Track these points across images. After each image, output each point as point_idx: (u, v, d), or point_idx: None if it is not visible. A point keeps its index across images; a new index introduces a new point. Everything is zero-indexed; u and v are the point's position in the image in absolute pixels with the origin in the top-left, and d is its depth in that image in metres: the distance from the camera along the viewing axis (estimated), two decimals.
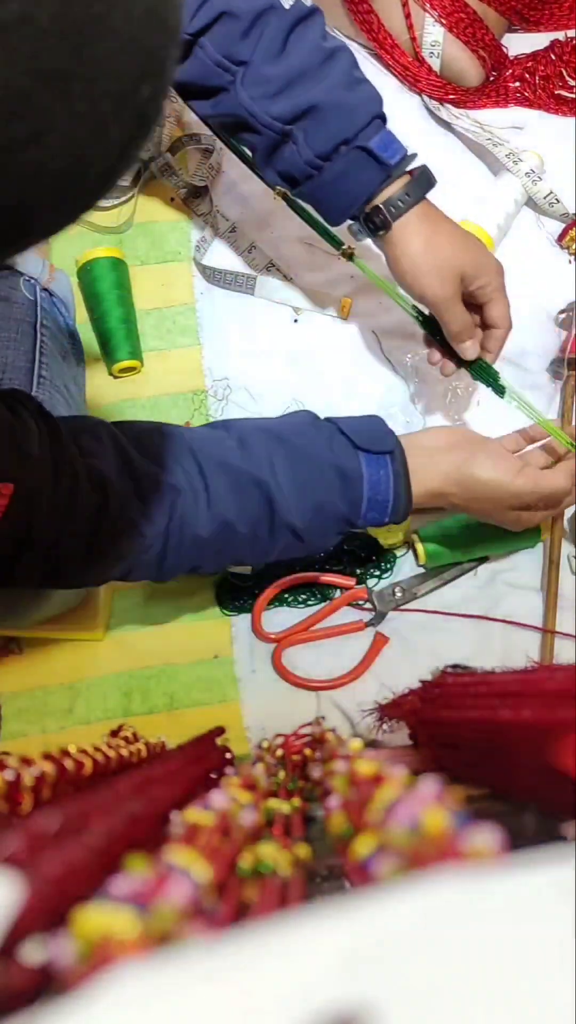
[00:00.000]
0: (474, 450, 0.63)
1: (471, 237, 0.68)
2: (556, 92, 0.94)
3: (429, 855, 0.19)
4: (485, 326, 0.70)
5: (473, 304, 0.69)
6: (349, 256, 0.72)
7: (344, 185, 0.65)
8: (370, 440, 0.61)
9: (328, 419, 0.63)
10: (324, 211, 0.69)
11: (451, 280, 0.66)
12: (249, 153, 0.71)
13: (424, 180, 0.67)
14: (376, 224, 0.66)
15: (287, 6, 0.63)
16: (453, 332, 0.68)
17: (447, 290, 0.66)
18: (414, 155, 0.66)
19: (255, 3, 0.62)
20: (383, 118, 0.65)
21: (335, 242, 0.72)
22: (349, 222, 0.69)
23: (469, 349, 0.68)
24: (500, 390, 0.70)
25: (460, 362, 0.71)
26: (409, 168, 0.66)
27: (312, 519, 0.60)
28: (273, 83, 0.63)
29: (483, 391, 0.75)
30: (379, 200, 0.66)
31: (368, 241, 0.70)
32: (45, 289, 0.78)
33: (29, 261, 0.79)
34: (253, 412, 0.83)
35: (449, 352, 0.71)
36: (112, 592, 0.77)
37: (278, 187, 0.70)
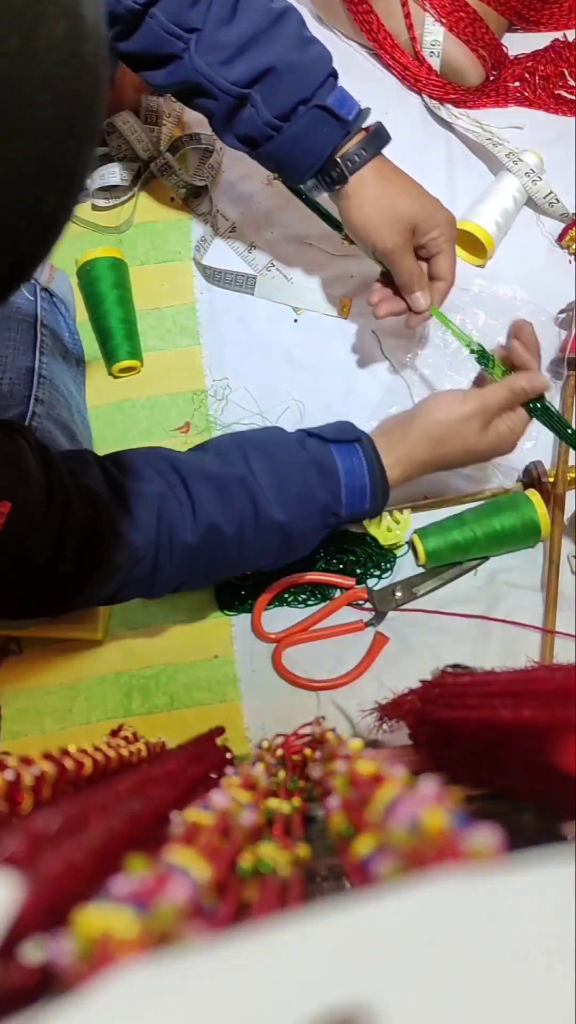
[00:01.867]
0: (422, 404, 0.66)
1: (424, 191, 0.70)
2: (556, 92, 0.94)
3: (429, 855, 0.19)
4: (431, 279, 0.72)
5: (422, 257, 0.71)
6: (352, 240, 0.72)
7: (305, 144, 0.66)
8: (338, 433, 0.64)
9: (298, 430, 0.66)
10: (286, 171, 0.70)
11: (401, 232, 0.68)
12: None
13: (379, 136, 0.68)
14: (332, 179, 0.68)
15: None
16: (402, 282, 0.70)
17: (397, 240, 0.68)
18: (368, 110, 0.67)
19: None
20: (335, 75, 0.66)
21: (335, 225, 0.72)
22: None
23: (420, 299, 0.71)
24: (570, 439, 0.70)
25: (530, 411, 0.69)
26: (365, 125, 0.67)
27: (296, 512, 0.61)
28: (227, 49, 0.63)
29: None
30: (336, 156, 0.67)
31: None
32: (45, 289, 0.78)
33: None
34: (253, 412, 0.83)
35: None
36: None
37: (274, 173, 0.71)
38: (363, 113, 0.67)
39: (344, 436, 0.64)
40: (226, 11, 0.63)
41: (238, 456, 0.61)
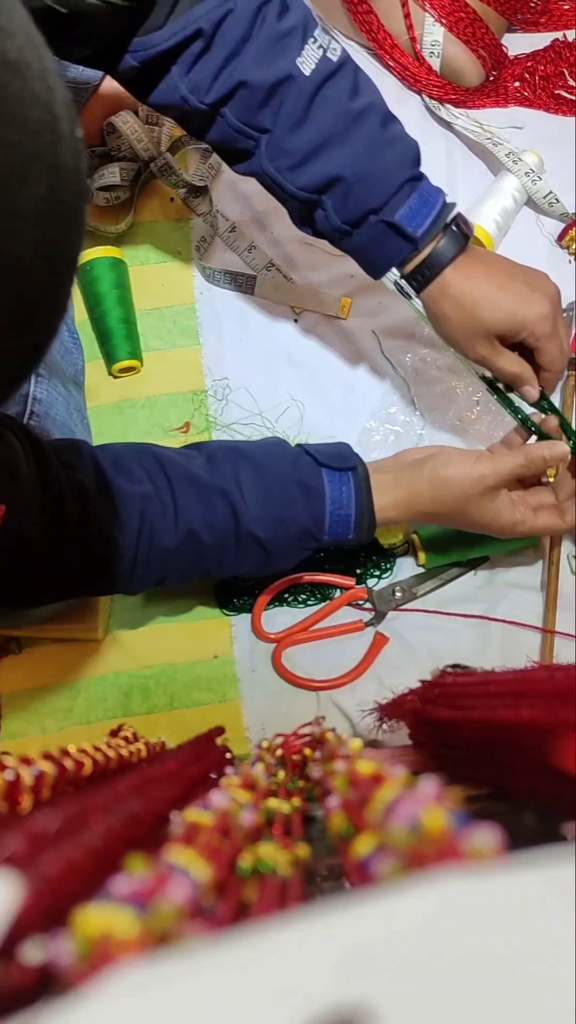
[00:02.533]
0: (434, 454, 0.65)
1: (510, 286, 0.64)
2: (556, 92, 0.94)
3: (429, 855, 0.19)
4: (536, 367, 0.68)
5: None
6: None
7: (374, 251, 0.65)
8: (333, 458, 0.63)
9: (298, 444, 0.65)
10: (363, 267, 0.68)
11: (484, 343, 0.65)
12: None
13: (456, 237, 0.63)
14: (413, 284, 0.66)
15: (308, 72, 0.59)
16: (507, 381, 0.69)
17: (484, 351, 0.65)
18: (450, 207, 0.63)
19: (271, 74, 0.58)
20: (416, 178, 0.62)
21: None
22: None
23: (530, 392, 0.68)
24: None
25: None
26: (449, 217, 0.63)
27: (275, 531, 0.61)
28: (294, 155, 0.61)
29: (483, 390, 0.75)
30: (410, 267, 0.64)
31: None
32: None
33: None
34: (253, 412, 0.83)
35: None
36: None
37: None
38: (444, 211, 0.63)
39: (338, 463, 0.63)
40: (299, 112, 0.59)
41: (228, 467, 0.61)
